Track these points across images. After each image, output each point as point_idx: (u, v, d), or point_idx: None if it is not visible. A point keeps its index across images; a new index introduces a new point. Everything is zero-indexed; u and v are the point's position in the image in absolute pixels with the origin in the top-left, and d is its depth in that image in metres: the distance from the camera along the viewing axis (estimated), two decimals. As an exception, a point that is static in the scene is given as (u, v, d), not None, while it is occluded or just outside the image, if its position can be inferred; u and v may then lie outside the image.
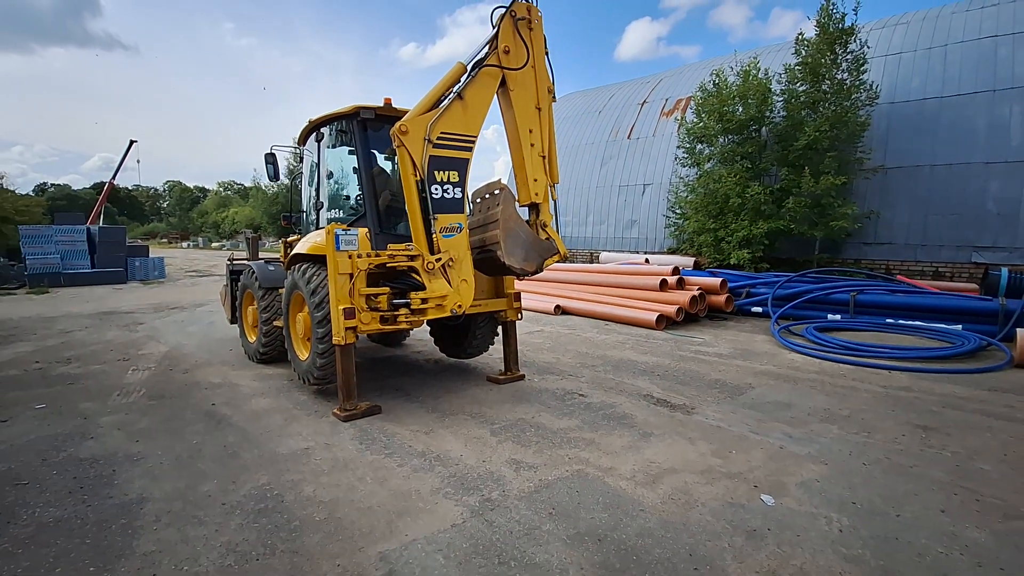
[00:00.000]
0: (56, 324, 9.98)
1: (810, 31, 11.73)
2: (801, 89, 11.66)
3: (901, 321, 8.28)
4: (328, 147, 5.93)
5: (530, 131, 5.04)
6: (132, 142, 36.89)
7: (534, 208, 5.18)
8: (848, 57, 11.22)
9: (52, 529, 2.99)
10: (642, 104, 17.65)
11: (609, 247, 17.05)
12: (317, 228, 5.87)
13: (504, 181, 5.17)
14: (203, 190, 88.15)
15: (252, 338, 6.99)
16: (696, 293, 9.58)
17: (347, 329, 4.51)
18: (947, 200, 10.86)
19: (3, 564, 2.67)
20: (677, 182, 14.09)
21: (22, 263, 17.53)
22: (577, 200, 18.06)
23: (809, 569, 2.58)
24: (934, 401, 5.18)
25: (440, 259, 4.66)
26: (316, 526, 3.00)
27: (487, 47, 4.83)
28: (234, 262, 8.06)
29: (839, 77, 11.24)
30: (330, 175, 5.99)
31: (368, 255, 4.64)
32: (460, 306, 4.81)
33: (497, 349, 6.27)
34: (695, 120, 13.15)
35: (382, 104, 5.53)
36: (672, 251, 14.50)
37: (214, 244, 59.33)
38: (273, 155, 6.31)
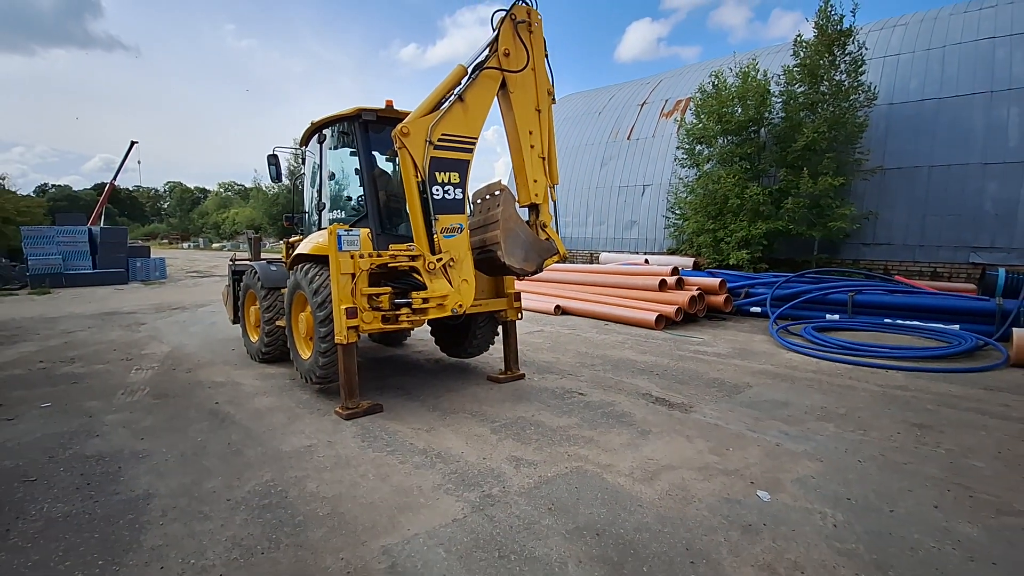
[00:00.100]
0: (59, 324, 10.04)
1: (808, 33, 11.80)
2: (800, 90, 11.72)
3: (899, 321, 8.33)
4: (330, 148, 5.99)
5: (530, 132, 5.10)
6: (133, 143, 37.13)
7: (534, 209, 5.24)
8: (846, 59, 11.28)
9: (61, 524, 3.04)
10: (642, 105, 17.69)
11: (609, 247, 17.10)
12: (319, 229, 5.92)
13: (504, 182, 5.22)
14: (204, 191, 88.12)
15: (254, 338, 7.05)
16: (695, 293, 9.62)
17: (349, 328, 4.57)
18: (945, 201, 10.91)
19: (13, 558, 2.72)
20: (676, 183, 14.13)
21: (24, 264, 17.60)
22: (577, 201, 18.10)
23: (803, 563, 2.63)
24: (930, 400, 5.23)
25: (441, 259, 4.72)
26: (320, 521, 3.05)
27: (487, 50, 4.90)
28: (236, 262, 8.12)
29: (837, 78, 11.30)
30: (332, 176, 6.06)
31: (370, 255, 4.70)
32: (461, 306, 4.86)
33: (497, 349, 6.33)
34: (694, 121, 13.20)
35: (383, 106, 5.59)
36: (671, 251, 14.53)
37: (215, 245, 59.41)
38: (275, 156, 6.37)
